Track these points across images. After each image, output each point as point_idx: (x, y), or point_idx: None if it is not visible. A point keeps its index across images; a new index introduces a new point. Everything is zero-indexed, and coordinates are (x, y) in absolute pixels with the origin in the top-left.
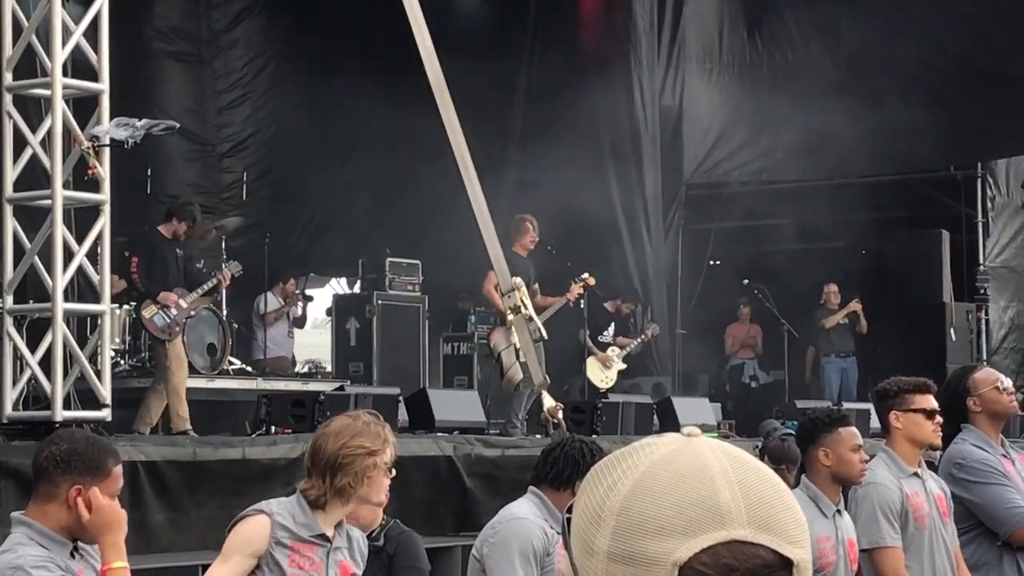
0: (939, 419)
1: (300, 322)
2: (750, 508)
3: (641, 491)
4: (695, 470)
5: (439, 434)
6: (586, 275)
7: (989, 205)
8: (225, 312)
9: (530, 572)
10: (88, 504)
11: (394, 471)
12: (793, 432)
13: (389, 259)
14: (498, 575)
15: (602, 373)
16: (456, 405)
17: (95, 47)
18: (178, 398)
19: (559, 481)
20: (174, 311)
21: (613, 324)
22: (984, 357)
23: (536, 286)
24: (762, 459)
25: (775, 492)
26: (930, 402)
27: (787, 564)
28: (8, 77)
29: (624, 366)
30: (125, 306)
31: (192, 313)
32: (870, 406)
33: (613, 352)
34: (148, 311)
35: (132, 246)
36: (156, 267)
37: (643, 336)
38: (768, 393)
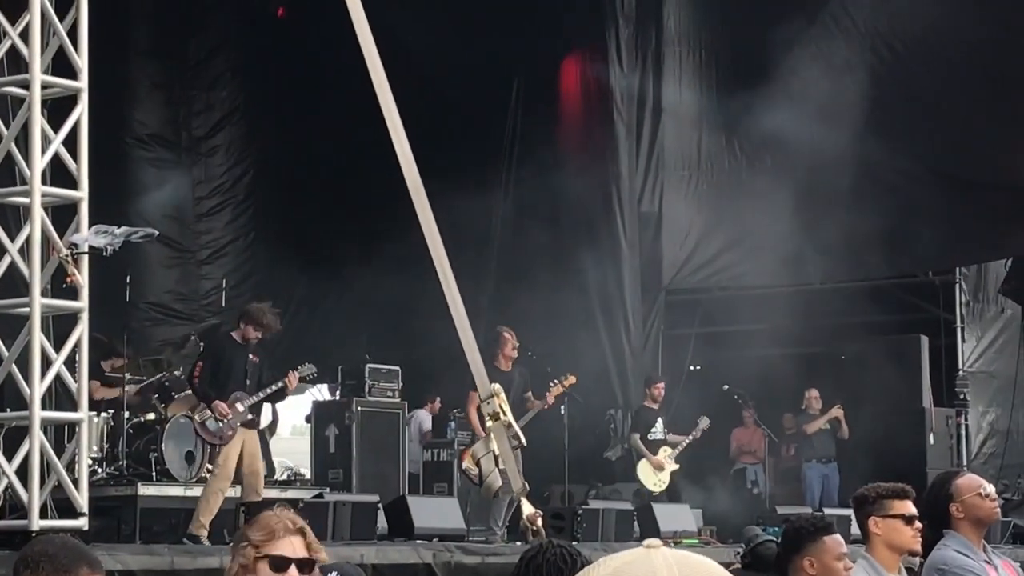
0: (918, 525)
1: (272, 428)
2: None
3: None
4: None
5: (419, 541)
6: (565, 375)
7: (966, 310)
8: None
9: None
10: None
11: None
12: (774, 539)
13: (368, 365)
14: None
15: (655, 476)
16: (436, 512)
17: (75, 154)
18: (206, 505)
19: None
20: (229, 417)
21: (660, 420)
22: (964, 462)
23: (529, 394)
24: (747, 566)
25: None
26: (909, 508)
27: None
28: None
29: (677, 466)
30: (103, 414)
31: (250, 416)
32: (851, 512)
33: (665, 453)
34: (201, 415)
35: (202, 349)
36: (222, 372)
37: (694, 433)
38: (751, 499)
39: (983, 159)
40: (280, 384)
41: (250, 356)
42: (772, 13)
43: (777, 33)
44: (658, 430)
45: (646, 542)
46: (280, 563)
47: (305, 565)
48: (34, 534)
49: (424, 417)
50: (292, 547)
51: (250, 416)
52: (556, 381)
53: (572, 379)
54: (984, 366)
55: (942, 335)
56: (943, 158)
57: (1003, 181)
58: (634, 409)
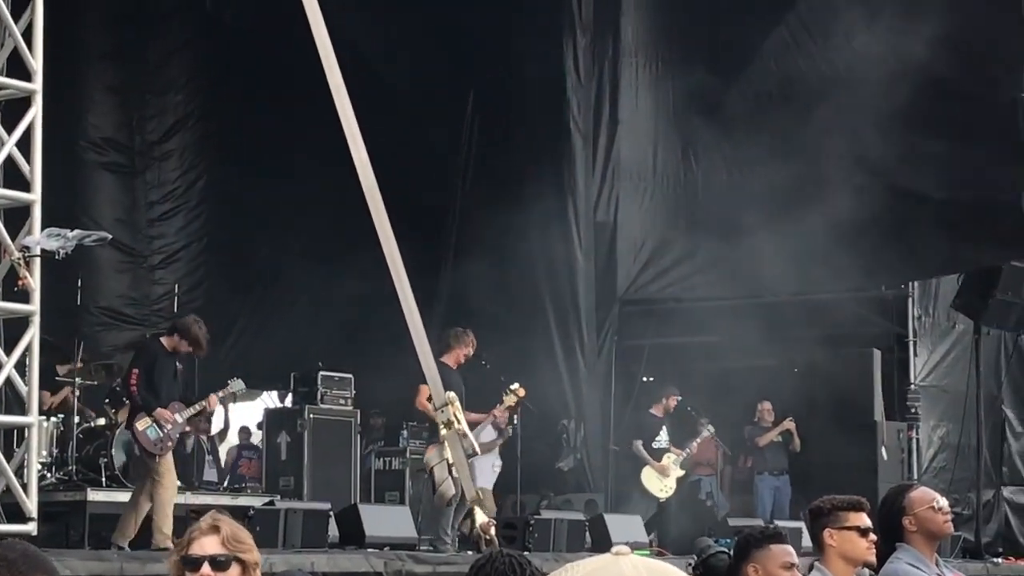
0: (873, 537)
1: (222, 435)
2: None
3: None
4: None
5: (370, 550)
6: (516, 385)
7: (918, 324)
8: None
9: None
10: None
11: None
12: (726, 550)
13: (321, 373)
14: None
15: (660, 482)
16: (387, 520)
17: (28, 157)
18: (163, 514)
19: None
20: (169, 426)
21: (665, 428)
22: (915, 476)
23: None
24: None
25: None
26: (864, 520)
27: None
28: None
29: (682, 472)
30: (53, 418)
31: (187, 428)
32: (802, 524)
33: (669, 459)
34: (141, 424)
35: (132, 356)
36: (154, 380)
37: (697, 440)
38: (705, 512)
39: (936, 174)
40: (201, 406)
41: (177, 366)
42: (729, 28)
43: (733, 48)
44: (662, 439)
45: (614, 549)
46: (191, 562)
47: (220, 562)
48: None
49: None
50: (202, 546)
51: (187, 428)
52: (508, 391)
53: (522, 391)
54: (936, 380)
55: (894, 349)
56: (897, 173)
57: (955, 196)
58: (638, 416)
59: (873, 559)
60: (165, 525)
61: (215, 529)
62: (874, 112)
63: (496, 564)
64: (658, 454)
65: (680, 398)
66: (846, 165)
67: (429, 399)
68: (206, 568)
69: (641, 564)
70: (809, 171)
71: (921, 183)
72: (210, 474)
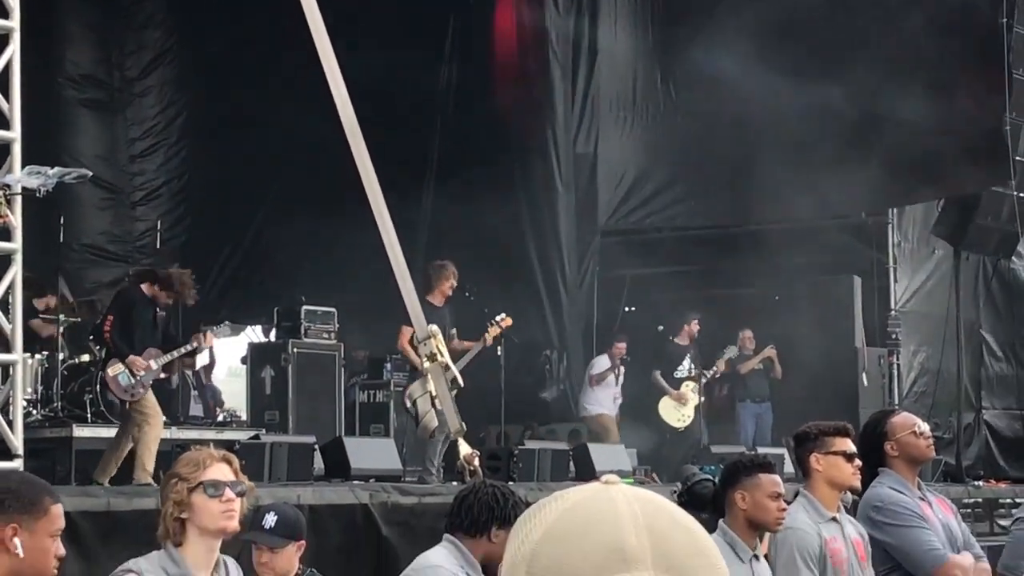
0: (858, 462)
1: (209, 368)
2: (657, 552)
3: (551, 538)
4: (604, 515)
5: (355, 482)
6: (501, 316)
7: (898, 251)
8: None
9: None
10: (24, 544)
11: (232, 494)
12: (711, 477)
13: (304, 307)
14: None
15: (678, 412)
16: (372, 453)
17: (6, 95)
18: (148, 451)
19: (474, 528)
20: (141, 373)
21: (688, 357)
22: (896, 402)
23: (454, 331)
24: (683, 504)
25: (689, 537)
26: (849, 445)
27: None
28: None
29: (701, 399)
30: (37, 356)
31: (162, 375)
32: (784, 451)
33: (688, 387)
34: (113, 369)
35: (110, 300)
36: (131, 327)
37: (715, 367)
38: (683, 438)
39: (916, 101)
40: (192, 345)
41: (157, 311)
42: None
43: None
44: (684, 368)
45: (604, 478)
46: (213, 486)
47: (238, 490)
48: None
49: (602, 361)
50: (221, 472)
51: (163, 375)
52: (493, 322)
53: (508, 320)
54: (916, 306)
55: (874, 276)
56: (877, 100)
57: (936, 123)
58: (660, 345)
59: (858, 484)
60: (148, 462)
61: (226, 459)
62: (856, 39)
63: (480, 494)
64: (678, 383)
65: (698, 320)
66: (826, 92)
67: (411, 341)
68: (229, 493)
69: (632, 494)
70: (789, 99)
71: (901, 110)
72: (196, 409)
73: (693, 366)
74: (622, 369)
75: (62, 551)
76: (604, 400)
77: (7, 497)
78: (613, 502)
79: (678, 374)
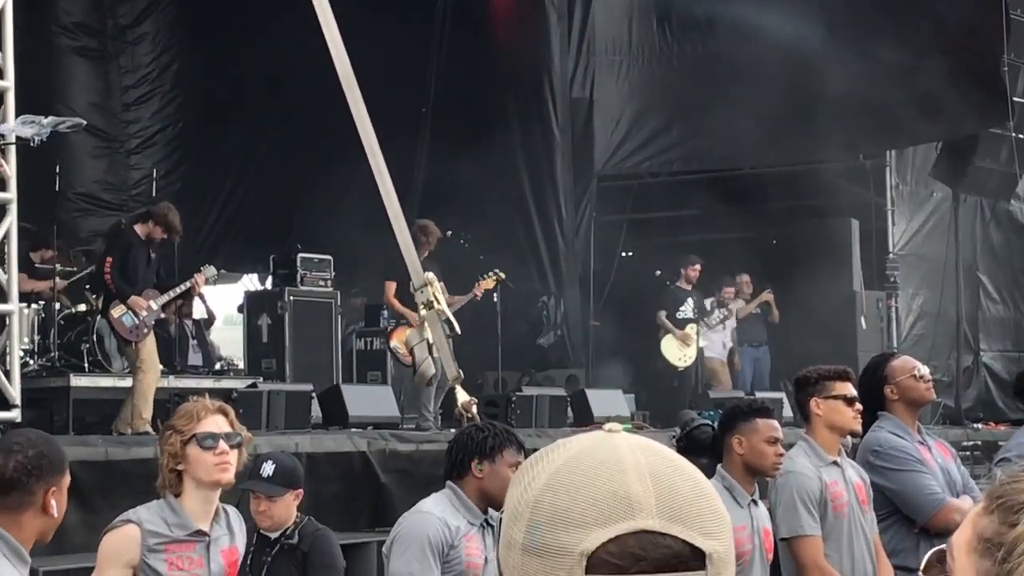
0: (859, 406)
1: (208, 323)
2: (661, 499)
3: (554, 485)
4: (608, 463)
5: (353, 430)
6: (495, 271)
7: (896, 193)
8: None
9: (427, 565)
10: (58, 504)
11: (225, 447)
12: (710, 423)
13: (300, 255)
14: (393, 569)
15: (680, 351)
16: (370, 401)
17: None
18: (144, 399)
19: (459, 469)
20: (144, 313)
21: (691, 300)
22: (895, 345)
23: (442, 284)
24: (682, 450)
25: (691, 485)
26: (849, 389)
27: (700, 555)
28: None
29: (705, 343)
30: (34, 305)
31: (162, 315)
32: (782, 395)
33: (691, 329)
34: (116, 311)
35: (106, 244)
36: (129, 268)
37: (724, 312)
38: (681, 383)
39: (914, 43)
40: (187, 285)
41: (150, 253)
42: None
43: None
44: (687, 309)
45: (607, 426)
46: (207, 439)
47: (233, 442)
48: None
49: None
50: (216, 424)
51: (162, 315)
52: (484, 276)
53: (501, 275)
54: (914, 249)
55: (872, 218)
56: (874, 43)
57: (934, 65)
58: (660, 288)
59: (859, 428)
60: (146, 410)
61: (222, 411)
62: None
63: (458, 437)
64: (681, 324)
65: (700, 264)
66: (823, 35)
67: (395, 294)
68: (223, 445)
69: (635, 442)
70: (785, 42)
71: (899, 52)
72: (195, 359)
73: (695, 309)
74: (731, 310)
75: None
76: (713, 343)
77: (43, 462)
78: (616, 450)
79: (680, 315)
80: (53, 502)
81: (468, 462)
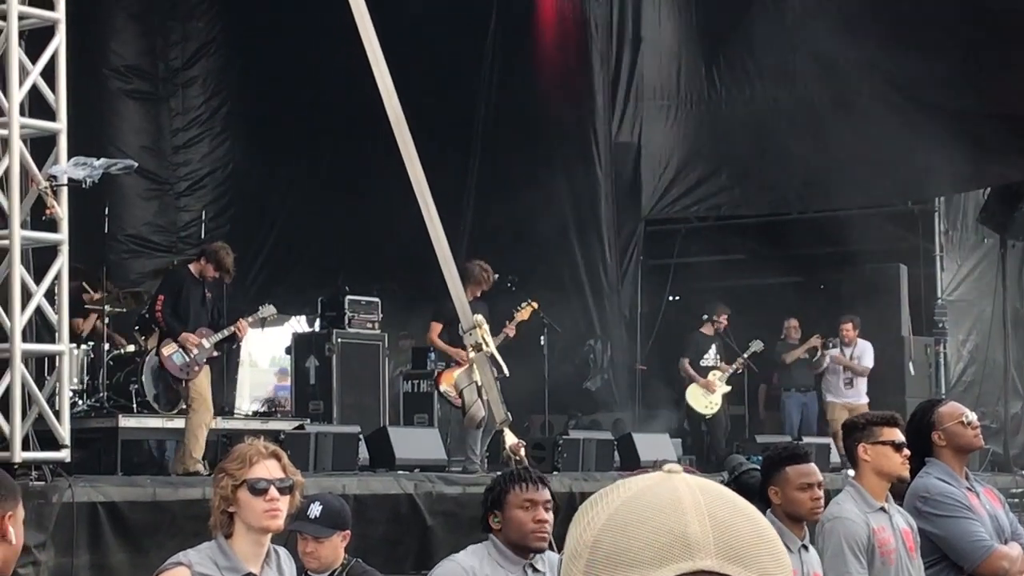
0: (906, 452)
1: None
2: (720, 540)
3: (613, 525)
4: (667, 503)
5: (400, 472)
6: (528, 301)
7: (945, 239)
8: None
9: None
10: (16, 532)
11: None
12: (758, 467)
13: (348, 297)
14: None
15: (705, 399)
16: (416, 443)
17: (52, 86)
18: (195, 439)
19: (485, 523)
20: (195, 351)
21: (714, 347)
22: (943, 391)
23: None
24: None
25: (751, 526)
26: (897, 435)
27: None
28: None
29: (729, 388)
30: (83, 346)
31: (215, 354)
32: (829, 440)
33: (715, 376)
34: (167, 349)
35: (159, 282)
36: (181, 306)
37: (743, 357)
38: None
39: (966, 88)
40: (230, 331)
41: (206, 292)
42: None
43: None
44: (710, 356)
45: (666, 467)
46: (258, 484)
47: (284, 487)
48: (16, 466)
49: None
50: (268, 470)
51: (216, 353)
52: (518, 308)
53: (534, 304)
54: (963, 294)
55: (921, 264)
56: (923, 87)
57: (985, 111)
58: (688, 333)
59: (906, 474)
60: (196, 450)
61: (275, 455)
62: (899, 28)
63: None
64: (704, 372)
65: (728, 314)
66: (872, 80)
67: (440, 335)
68: (273, 491)
69: (694, 483)
70: (834, 87)
71: (948, 97)
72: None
73: (719, 357)
74: (848, 351)
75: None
76: (831, 385)
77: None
78: (676, 490)
79: (704, 363)
80: (11, 528)
81: (487, 517)
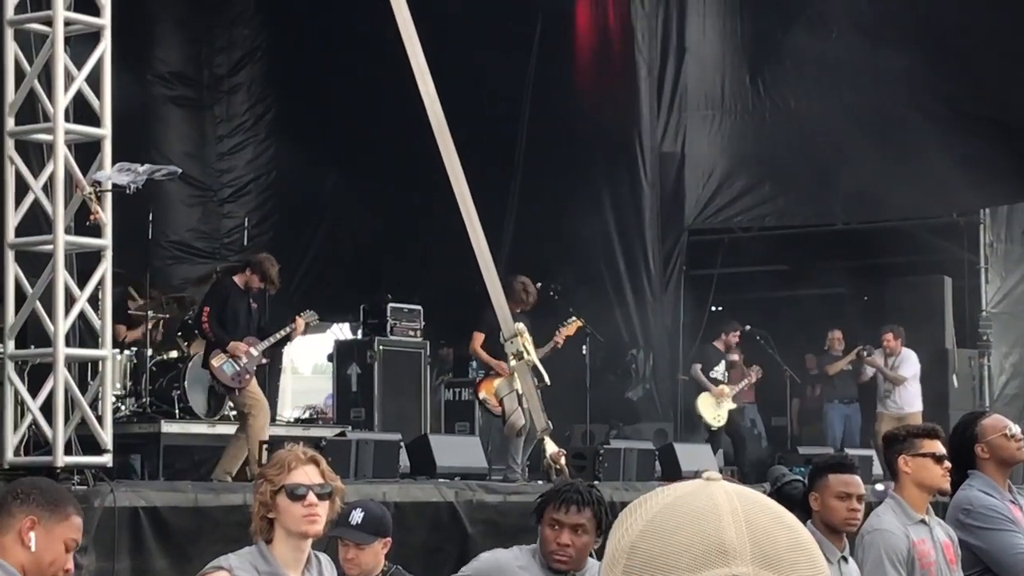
0: (947, 464)
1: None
2: (756, 546)
3: (651, 531)
4: (705, 510)
5: (441, 480)
6: (574, 317)
7: (990, 251)
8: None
9: None
10: (38, 541)
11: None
12: (801, 478)
13: (390, 304)
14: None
15: (715, 410)
16: (458, 451)
17: (97, 92)
18: (256, 444)
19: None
20: (244, 360)
21: (724, 362)
22: (987, 404)
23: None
24: None
25: (789, 534)
26: (938, 447)
27: None
28: (10, 122)
29: (734, 406)
30: (126, 351)
31: (264, 361)
32: (872, 452)
33: (724, 389)
34: (216, 360)
35: (204, 294)
36: (227, 317)
37: (747, 379)
38: (772, 439)
39: (1008, 100)
40: (288, 330)
41: (251, 302)
42: None
43: None
44: (719, 371)
45: (705, 474)
46: (296, 490)
47: (323, 492)
48: (59, 470)
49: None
50: (307, 475)
51: (264, 360)
52: (565, 323)
53: (580, 321)
54: (1007, 307)
55: (965, 276)
56: (968, 99)
57: None
58: (701, 344)
59: (947, 486)
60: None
61: (314, 461)
62: (945, 38)
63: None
64: (715, 384)
65: (739, 332)
66: (916, 91)
67: (483, 344)
68: (312, 497)
69: (732, 490)
70: (878, 98)
71: (993, 109)
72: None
73: (727, 373)
74: (891, 360)
75: (71, 566)
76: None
77: (33, 492)
78: (713, 497)
79: (712, 375)
80: (32, 534)
81: (540, 512)
